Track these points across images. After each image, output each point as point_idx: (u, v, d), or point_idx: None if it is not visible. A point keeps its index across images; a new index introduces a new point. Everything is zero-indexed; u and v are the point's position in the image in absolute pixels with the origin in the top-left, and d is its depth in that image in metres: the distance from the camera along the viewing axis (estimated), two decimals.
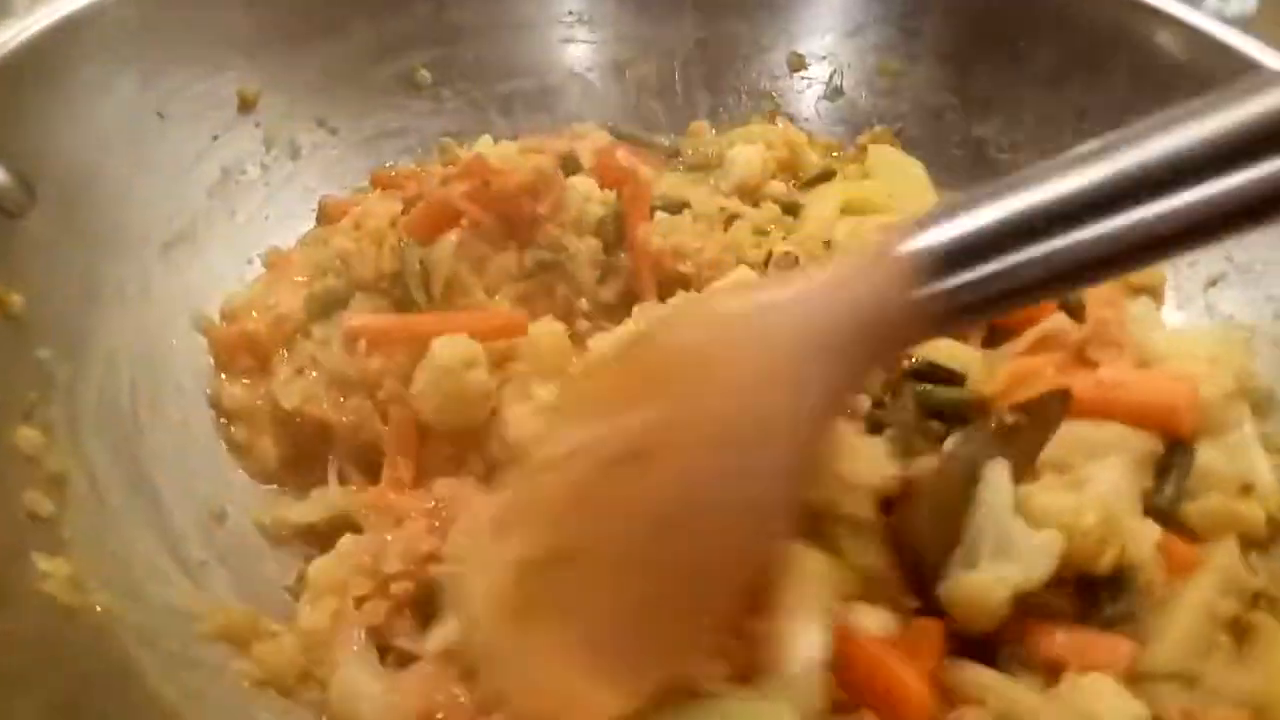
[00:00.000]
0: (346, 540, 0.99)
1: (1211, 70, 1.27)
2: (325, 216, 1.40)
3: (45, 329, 1.03)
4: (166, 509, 1.02)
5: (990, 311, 0.78)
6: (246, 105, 1.37)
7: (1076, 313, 1.18)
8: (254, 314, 1.21)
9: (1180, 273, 1.29)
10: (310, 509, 1.08)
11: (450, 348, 1.04)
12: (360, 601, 0.93)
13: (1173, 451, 1.03)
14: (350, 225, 1.27)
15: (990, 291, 0.69)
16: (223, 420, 1.15)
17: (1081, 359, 1.12)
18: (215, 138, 1.33)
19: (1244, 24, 1.42)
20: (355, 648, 0.91)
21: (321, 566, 0.97)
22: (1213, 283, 1.26)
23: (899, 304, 0.70)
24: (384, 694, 0.88)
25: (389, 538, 0.97)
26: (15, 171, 1.05)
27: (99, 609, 0.86)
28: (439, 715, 0.86)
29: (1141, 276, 1.30)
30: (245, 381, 1.17)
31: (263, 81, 1.38)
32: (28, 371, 1.00)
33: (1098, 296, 1.22)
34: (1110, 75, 1.39)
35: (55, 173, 1.12)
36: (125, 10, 1.21)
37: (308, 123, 1.43)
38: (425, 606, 0.93)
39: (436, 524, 0.98)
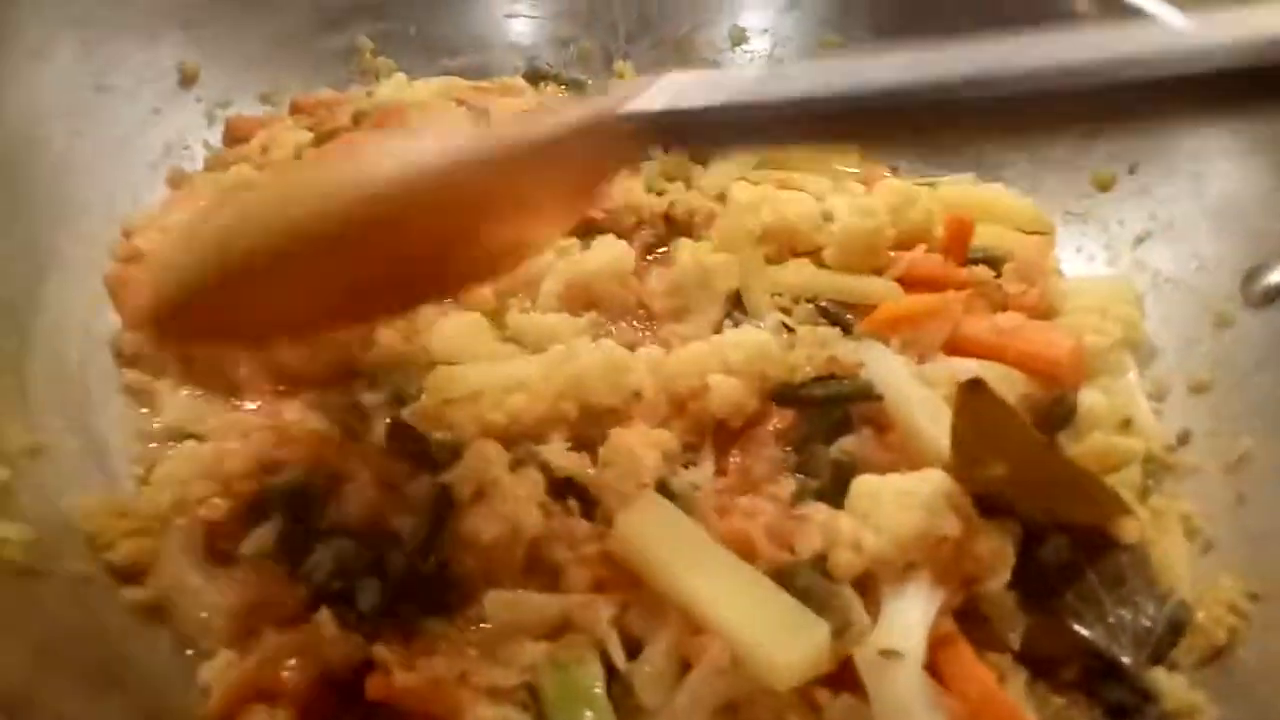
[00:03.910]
0: (188, 444, 1.00)
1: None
2: (232, 136, 1.37)
3: None
4: (121, 475, 1.01)
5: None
6: (188, 79, 1.36)
7: (995, 264, 1.24)
8: (151, 235, 1.17)
9: (1110, 230, 1.35)
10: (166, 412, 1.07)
11: None
12: (201, 501, 0.93)
13: (1057, 401, 1.09)
14: (256, 150, 1.26)
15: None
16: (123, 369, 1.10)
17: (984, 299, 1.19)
18: (156, 111, 1.31)
19: None
20: (183, 542, 0.92)
21: (165, 465, 0.97)
22: (1140, 240, 1.32)
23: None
24: (205, 586, 0.90)
25: (231, 446, 0.98)
26: None
27: (63, 572, 0.85)
28: (259, 611, 0.88)
29: (1034, 225, 1.35)
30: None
31: (203, 54, 1.37)
32: None
33: (1026, 243, 1.29)
34: None
35: None
36: None
37: (250, 98, 1.42)
38: (258, 514, 0.94)
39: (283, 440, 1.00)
